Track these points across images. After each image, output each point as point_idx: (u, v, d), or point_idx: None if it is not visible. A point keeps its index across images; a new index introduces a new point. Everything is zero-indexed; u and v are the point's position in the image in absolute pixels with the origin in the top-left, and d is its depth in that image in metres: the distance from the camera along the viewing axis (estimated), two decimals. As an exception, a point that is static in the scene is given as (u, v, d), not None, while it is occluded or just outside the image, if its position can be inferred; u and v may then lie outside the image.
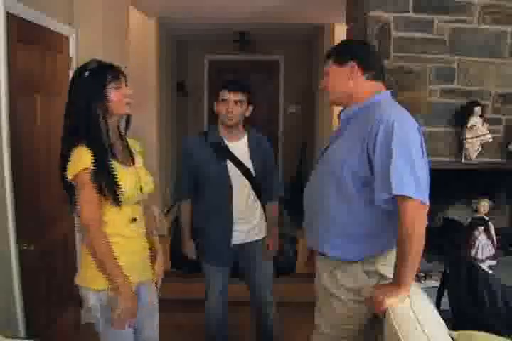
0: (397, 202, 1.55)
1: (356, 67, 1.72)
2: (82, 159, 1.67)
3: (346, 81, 1.73)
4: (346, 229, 1.70)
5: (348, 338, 1.80)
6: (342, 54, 1.77)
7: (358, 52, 1.77)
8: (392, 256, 1.69)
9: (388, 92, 1.77)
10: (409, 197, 1.52)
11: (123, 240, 1.79)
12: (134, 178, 1.81)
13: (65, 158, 1.72)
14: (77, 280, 1.82)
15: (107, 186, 1.69)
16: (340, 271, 1.75)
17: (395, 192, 1.52)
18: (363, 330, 1.80)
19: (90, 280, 1.77)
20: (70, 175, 1.68)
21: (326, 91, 1.83)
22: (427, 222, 1.58)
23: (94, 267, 1.74)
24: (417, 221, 1.53)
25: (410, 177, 1.53)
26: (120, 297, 1.68)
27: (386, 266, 1.70)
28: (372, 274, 1.72)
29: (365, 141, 1.60)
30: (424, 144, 1.64)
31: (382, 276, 1.71)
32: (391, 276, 1.65)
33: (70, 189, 1.76)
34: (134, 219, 1.82)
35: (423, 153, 1.62)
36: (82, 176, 1.67)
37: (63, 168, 1.73)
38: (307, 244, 1.90)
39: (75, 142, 1.70)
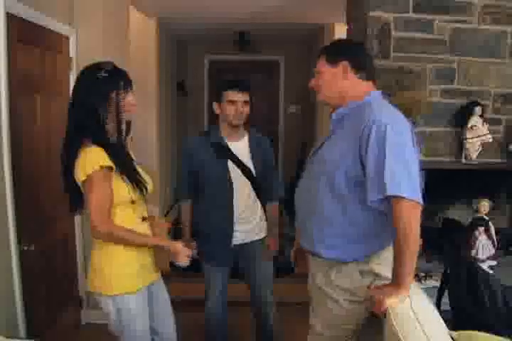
0: (392, 202, 1.54)
1: (348, 66, 1.71)
2: (99, 157, 1.66)
3: (338, 81, 1.73)
4: (341, 229, 1.69)
5: (344, 338, 1.80)
6: (334, 53, 1.76)
7: (350, 51, 1.77)
8: (386, 255, 1.69)
9: (379, 92, 1.77)
10: (404, 198, 1.51)
11: None
12: None
13: (70, 159, 1.70)
14: (90, 287, 1.82)
15: (133, 178, 1.74)
16: (334, 271, 1.74)
17: (389, 192, 1.51)
18: (359, 330, 1.79)
19: (102, 286, 1.77)
20: (84, 173, 1.65)
21: (316, 90, 1.82)
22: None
23: (105, 271, 1.75)
24: (412, 221, 1.52)
25: (404, 178, 1.53)
26: (172, 248, 1.80)
27: (381, 265, 1.70)
28: (367, 274, 1.71)
29: (357, 141, 1.59)
30: (415, 144, 1.65)
31: (377, 275, 1.70)
32: (386, 275, 1.65)
33: (75, 189, 1.74)
34: (144, 218, 1.85)
35: (415, 153, 1.62)
36: (98, 174, 1.65)
37: (67, 168, 1.71)
38: (300, 244, 1.90)
39: (81, 142, 1.69)
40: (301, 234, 1.86)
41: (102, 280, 1.77)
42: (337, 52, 1.77)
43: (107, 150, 1.68)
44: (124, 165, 1.75)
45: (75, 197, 1.78)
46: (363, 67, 1.74)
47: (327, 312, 1.78)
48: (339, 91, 1.74)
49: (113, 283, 1.75)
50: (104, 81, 1.71)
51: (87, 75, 1.75)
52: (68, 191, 1.79)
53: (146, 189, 1.81)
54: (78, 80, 1.76)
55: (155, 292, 1.92)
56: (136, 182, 1.76)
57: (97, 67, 1.75)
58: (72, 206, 1.83)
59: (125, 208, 1.76)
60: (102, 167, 1.65)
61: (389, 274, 1.66)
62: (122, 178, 1.73)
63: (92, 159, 1.66)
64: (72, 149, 1.70)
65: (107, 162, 1.67)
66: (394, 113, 1.67)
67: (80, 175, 1.67)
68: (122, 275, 1.77)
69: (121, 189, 1.73)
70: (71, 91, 1.79)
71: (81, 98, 1.73)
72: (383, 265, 1.69)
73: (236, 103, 2.31)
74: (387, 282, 1.65)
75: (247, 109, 2.34)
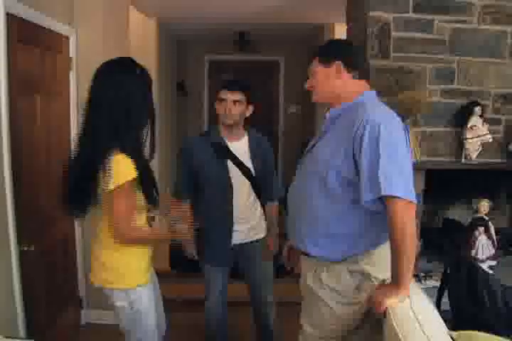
0: (386, 202, 1.53)
1: (342, 66, 1.71)
2: (130, 168, 1.62)
3: (332, 80, 1.73)
4: (332, 229, 1.69)
5: (337, 338, 1.79)
6: (328, 53, 1.76)
7: (344, 51, 1.77)
8: (377, 255, 1.69)
9: (373, 92, 1.77)
10: (399, 197, 1.51)
11: None
12: None
13: (95, 166, 1.62)
14: (99, 282, 1.82)
15: (150, 191, 1.74)
16: (324, 271, 1.74)
17: (384, 192, 1.51)
18: (352, 330, 1.79)
19: (115, 281, 1.78)
20: (113, 183, 1.59)
21: (311, 91, 1.81)
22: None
23: (118, 267, 1.76)
24: (407, 220, 1.51)
25: (398, 178, 1.52)
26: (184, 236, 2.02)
27: (371, 265, 1.70)
28: (356, 274, 1.71)
29: (350, 141, 1.59)
30: (408, 143, 1.65)
31: (367, 276, 1.70)
32: (377, 275, 1.66)
33: (82, 191, 1.70)
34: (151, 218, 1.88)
35: (408, 153, 1.62)
36: (128, 185, 1.62)
37: (90, 176, 1.65)
38: (291, 243, 1.90)
39: (110, 148, 1.61)
40: (291, 233, 1.86)
41: (114, 275, 1.77)
42: (330, 52, 1.77)
43: (134, 161, 1.63)
44: (146, 179, 1.72)
45: (78, 199, 1.72)
46: (356, 66, 1.73)
47: (317, 312, 1.77)
48: (333, 91, 1.74)
49: (125, 278, 1.77)
50: (145, 78, 1.64)
51: (127, 73, 1.62)
52: (71, 193, 1.72)
53: (157, 203, 1.81)
54: (111, 78, 1.61)
55: (153, 284, 1.93)
56: (151, 197, 1.76)
57: (131, 63, 1.65)
58: (71, 209, 1.77)
59: (137, 212, 1.77)
60: (134, 179, 1.63)
61: (380, 274, 1.67)
62: (139, 188, 1.71)
63: (125, 170, 1.61)
64: (102, 157, 1.61)
65: (136, 173, 1.64)
66: (387, 112, 1.67)
67: (108, 184, 1.61)
68: (133, 271, 1.78)
69: (138, 198, 1.73)
70: (99, 92, 1.63)
71: (121, 100, 1.60)
72: (374, 265, 1.69)
73: (225, 102, 2.31)
74: (377, 282, 1.65)
75: (237, 109, 2.33)
